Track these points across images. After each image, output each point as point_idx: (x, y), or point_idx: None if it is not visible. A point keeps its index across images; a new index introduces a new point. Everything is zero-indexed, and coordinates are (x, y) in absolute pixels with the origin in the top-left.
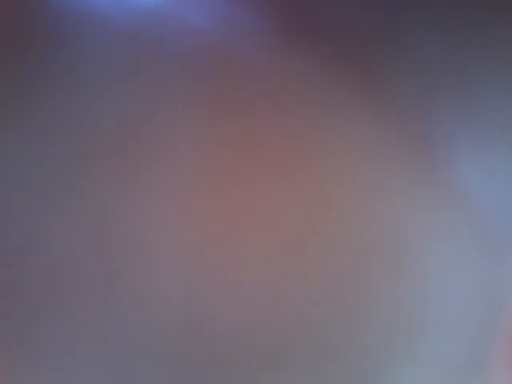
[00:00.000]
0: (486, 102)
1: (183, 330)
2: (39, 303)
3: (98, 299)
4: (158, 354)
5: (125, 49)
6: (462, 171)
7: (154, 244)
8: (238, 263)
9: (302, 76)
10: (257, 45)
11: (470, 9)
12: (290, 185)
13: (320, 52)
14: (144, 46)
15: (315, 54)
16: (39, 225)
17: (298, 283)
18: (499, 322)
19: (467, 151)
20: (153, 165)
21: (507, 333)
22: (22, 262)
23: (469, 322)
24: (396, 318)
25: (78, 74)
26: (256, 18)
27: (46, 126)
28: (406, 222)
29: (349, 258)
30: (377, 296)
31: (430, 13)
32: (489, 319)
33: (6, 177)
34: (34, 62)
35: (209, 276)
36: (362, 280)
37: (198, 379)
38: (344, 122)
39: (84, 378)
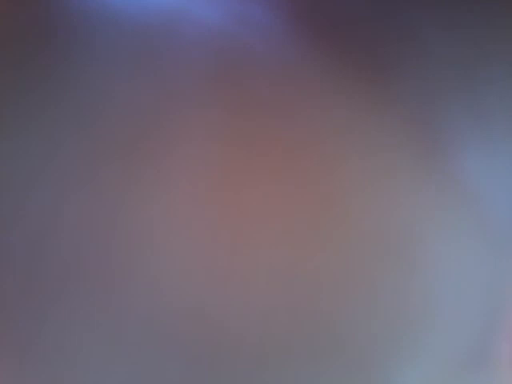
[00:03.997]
0: (490, 101)
1: (187, 327)
2: (45, 301)
3: (104, 297)
4: (162, 350)
5: (136, 47)
6: (467, 169)
7: (160, 240)
8: (244, 260)
9: (312, 74)
10: (269, 43)
11: (473, 6)
12: (297, 183)
13: (329, 52)
14: (155, 45)
15: (325, 53)
16: (48, 223)
17: (304, 279)
18: (504, 318)
19: (472, 148)
20: (160, 163)
21: (511, 331)
22: (27, 260)
23: (473, 318)
24: (400, 314)
25: (87, 72)
26: (268, 17)
27: (55, 124)
28: (411, 218)
29: (354, 253)
30: (381, 292)
31: (434, 11)
32: (493, 315)
33: (15, 175)
34: (43, 60)
35: (214, 274)
36: (367, 276)
37: (202, 374)
38: (351, 121)
39: (90, 374)
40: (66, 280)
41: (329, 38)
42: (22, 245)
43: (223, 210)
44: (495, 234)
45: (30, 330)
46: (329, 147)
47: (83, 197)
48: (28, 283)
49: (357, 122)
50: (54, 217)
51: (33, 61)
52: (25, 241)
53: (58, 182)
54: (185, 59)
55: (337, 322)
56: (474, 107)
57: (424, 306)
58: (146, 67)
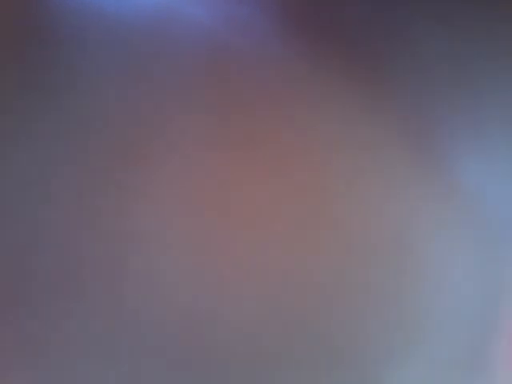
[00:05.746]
0: (487, 99)
1: (183, 329)
2: (40, 303)
3: (100, 298)
4: (158, 353)
5: (127, 48)
6: (463, 169)
7: (154, 243)
8: (239, 263)
9: (304, 74)
10: (259, 43)
11: (471, 5)
12: (291, 184)
13: (322, 51)
14: (145, 46)
15: (317, 53)
16: (42, 223)
17: (298, 282)
18: (500, 319)
19: (468, 149)
20: (155, 162)
21: (508, 331)
22: (25, 260)
23: (469, 319)
24: (396, 317)
25: (78, 73)
26: (259, 17)
27: (47, 126)
28: (406, 220)
29: (349, 257)
30: (377, 295)
31: (432, 10)
32: (490, 318)
33: (10, 176)
34: (37, 60)
35: (209, 275)
36: (362, 279)
37: (197, 378)
38: (345, 120)
39: (84, 376)
40: (60, 281)
41: (320, 38)
42: (15, 244)
43: (215, 212)
44: (491, 236)
45: (21, 333)
46: (323, 148)
47: (76, 198)
48: (19, 286)
49: (350, 123)
50: (47, 217)
51: (20, 62)
52: (17, 240)
53: (50, 185)
54: (175, 60)
55: (332, 323)
56: (470, 108)
57: (419, 307)
58: (136, 68)
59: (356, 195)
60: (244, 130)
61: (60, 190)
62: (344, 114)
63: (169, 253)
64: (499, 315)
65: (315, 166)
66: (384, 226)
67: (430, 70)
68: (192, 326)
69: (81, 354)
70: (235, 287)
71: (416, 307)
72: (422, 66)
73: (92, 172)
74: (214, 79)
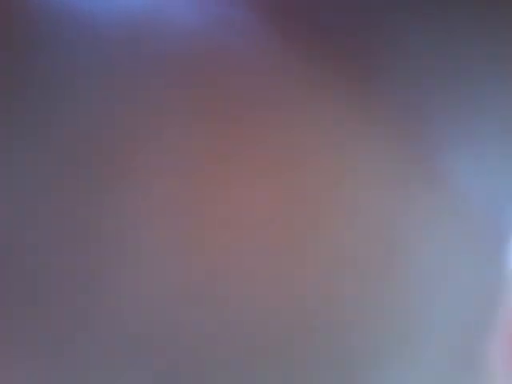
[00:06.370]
0: (484, 102)
1: (170, 330)
2: (25, 301)
3: (85, 299)
4: (145, 366)
5: (116, 49)
6: (458, 171)
7: (141, 243)
8: (228, 263)
9: (296, 75)
10: (251, 45)
11: (469, 8)
12: (282, 185)
13: (315, 52)
14: (136, 47)
15: (310, 55)
16: (27, 224)
17: (291, 283)
18: (497, 322)
19: (464, 151)
20: (141, 165)
21: (505, 332)
22: (8, 260)
23: (466, 322)
24: (392, 319)
25: (66, 76)
26: (251, 19)
27: (34, 129)
28: (401, 221)
29: (341, 257)
30: (372, 297)
31: (429, 13)
32: (486, 319)
33: None
34: (22, 64)
35: (197, 277)
36: (356, 276)
37: (184, 379)
38: (340, 121)
39: (69, 376)
40: (44, 281)
41: (312, 39)
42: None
43: (203, 214)
44: (486, 235)
45: (4, 331)
46: (313, 149)
47: (62, 200)
48: (2, 285)
49: (341, 125)
50: (33, 218)
51: (6, 64)
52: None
53: (36, 185)
54: (165, 61)
55: (324, 325)
56: (467, 108)
57: (416, 310)
58: (125, 70)
59: (348, 196)
60: (233, 131)
61: (46, 191)
62: (337, 115)
63: (154, 252)
64: (496, 315)
65: (304, 168)
66: (379, 227)
67: (427, 73)
68: (179, 337)
69: (66, 353)
70: (225, 288)
71: (411, 308)
72: (420, 69)
73: (74, 173)
74: (205, 81)
